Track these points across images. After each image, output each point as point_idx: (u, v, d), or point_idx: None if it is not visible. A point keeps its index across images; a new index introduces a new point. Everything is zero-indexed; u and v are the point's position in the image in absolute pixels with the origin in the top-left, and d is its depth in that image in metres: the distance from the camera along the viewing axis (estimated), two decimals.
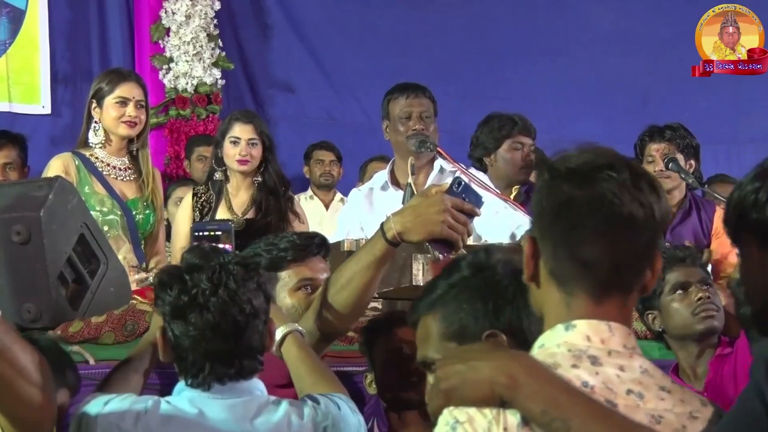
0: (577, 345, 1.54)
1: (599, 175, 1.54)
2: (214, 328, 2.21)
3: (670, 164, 4.34)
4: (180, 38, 6.64)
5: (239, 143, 4.30)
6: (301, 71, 7.21)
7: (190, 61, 6.63)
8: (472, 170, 4.07)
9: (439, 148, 3.93)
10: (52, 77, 6.59)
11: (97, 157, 4.08)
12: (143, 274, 3.50)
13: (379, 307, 3.17)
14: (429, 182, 4.02)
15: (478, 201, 2.41)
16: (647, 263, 1.58)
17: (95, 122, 4.08)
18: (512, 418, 1.48)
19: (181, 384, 2.28)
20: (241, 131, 4.31)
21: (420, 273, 3.16)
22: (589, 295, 1.55)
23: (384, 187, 4.15)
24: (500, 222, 3.77)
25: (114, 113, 4.04)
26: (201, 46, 6.67)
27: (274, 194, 4.32)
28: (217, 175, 4.39)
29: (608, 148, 1.63)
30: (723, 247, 4.45)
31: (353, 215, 4.18)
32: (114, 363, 2.57)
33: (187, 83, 6.63)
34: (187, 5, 6.64)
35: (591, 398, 1.48)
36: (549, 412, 1.44)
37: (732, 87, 7.09)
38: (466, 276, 1.98)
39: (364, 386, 2.82)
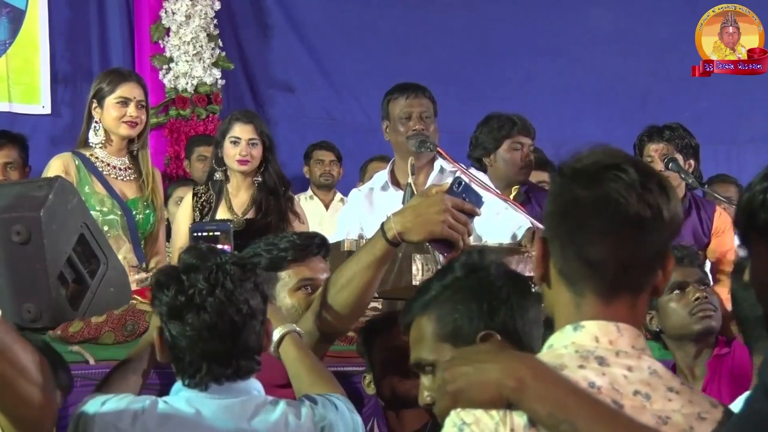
0: (585, 345, 1.54)
1: (606, 175, 1.54)
2: (211, 328, 2.21)
3: (670, 164, 4.34)
4: (180, 38, 6.64)
5: (239, 143, 4.30)
6: (301, 71, 7.21)
7: (190, 61, 6.63)
8: (472, 170, 4.06)
9: (439, 148, 3.92)
10: (52, 77, 6.58)
11: (97, 157, 4.08)
12: (143, 274, 3.50)
13: (379, 307, 3.17)
14: (429, 182, 4.01)
15: (478, 201, 2.41)
16: (657, 264, 1.57)
17: (96, 122, 4.09)
18: (519, 419, 1.48)
19: (178, 384, 2.28)
20: (242, 131, 4.31)
21: (420, 273, 3.16)
22: (598, 296, 1.55)
23: (384, 187, 4.16)
24: (501, 223, 3.77)
25: (115, 113, 4.04)
26: (201, 46, 6.67)
27: (274, 194, 4.32)
28: (218, 175, 4.39)
29: (619, 149, 1.63)
30: (722, 246, 4.46)
31: (353, 215, 4.18)
32: (114, 363, 2.57)
33: (187, 83, 6.63)
34: (187, 5, 6.64)
35: (598, 400, 1.47)
36: (556, 414, 1.44)
37: (732, 87, 7.09)
38: (460, 277, 1.99)
39: (362, 387, 2.82)
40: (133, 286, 3.25)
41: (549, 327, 2.40)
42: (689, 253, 3.15)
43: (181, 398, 2.25)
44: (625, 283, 1.56)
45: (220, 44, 6.79)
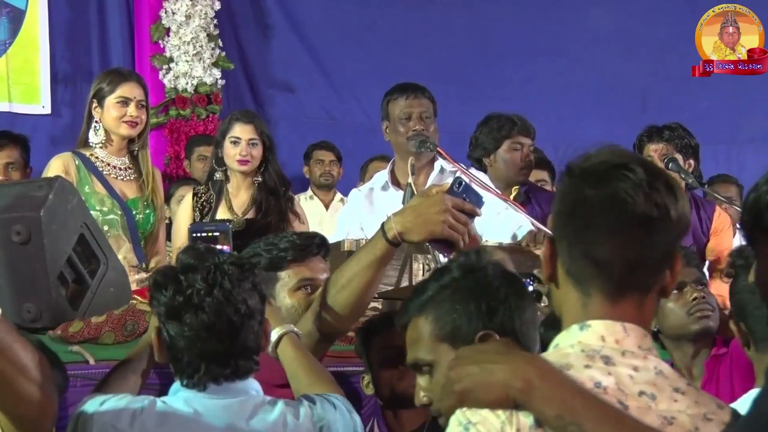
0: (591, 345, 1.54)
1: (614, 174, 1.54)
2: (209, 328, 2.20)
3: (670, 164, 4.34)
4: (180, 38, 6.64)
5: (239, 143, 4.30)
6: (301, 71, 7.21)
7: (190, 61, 6.64)
8: (473, 170, 4.06)
9: (439, 149, 3.92)
10: (52, 77, 6.58)
11: (97, 157, 4.08)
12: (143, 274, 3.50)
13: (379, 307, 3.17)
14: (429, 182, 4.01)
15: (478, 201, 2.41)
16: (665, 264, 1.57)
17: (96, 122, 4.09)
18: (525, 419, 1.48)
19: (176, 384, 2.28)
20: (242, 131, 4.31)
21: (420, 273, 3.17)
22: (605, 295, 1.55)
23: (384, 187, 4.15)
24: (501, 223, 3.77)
25: (115, 113, 4.04)
26: (201, 46, 6.67)
27: (275, 194, 4.32)
28: (218, 175, 4.39)
29: (628, 150, 1.63)
30: (720, 245, 4.46)
31: (353, 215, 4.18)
32: (114, 363, 2.57)
33: (187, 83, 6.63)
34: (187, 5, 6.65)
35: (604, 402, 1.47)
36: (563, 416, 1.44)
37: (732, 87, 7.09)
38: (457, 277, 1.99)
39: (360, 387, 2.82)
40: (133, 286, 3.25)
41: (552, 327, 2.42)
42: (687, 253, 3.14)
43: (180, 398, 2.25)
44: (632, 283, 1.56)
45: (220, 44, 6.79)
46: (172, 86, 6.64)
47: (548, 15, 7.36)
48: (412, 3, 7.34)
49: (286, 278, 2.78)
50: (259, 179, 4.35)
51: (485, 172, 4.42)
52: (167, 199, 5.41)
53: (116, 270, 3.11)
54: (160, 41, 6.69)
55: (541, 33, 7.31)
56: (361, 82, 7.00)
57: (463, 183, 2.39)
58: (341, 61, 7.23)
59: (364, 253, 2.42)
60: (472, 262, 2.01)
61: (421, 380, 2.00)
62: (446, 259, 2.45)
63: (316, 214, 6.21)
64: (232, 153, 4.31)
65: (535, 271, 2.85)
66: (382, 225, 2.38)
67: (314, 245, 2.83)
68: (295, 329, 2.53)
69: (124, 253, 3.81)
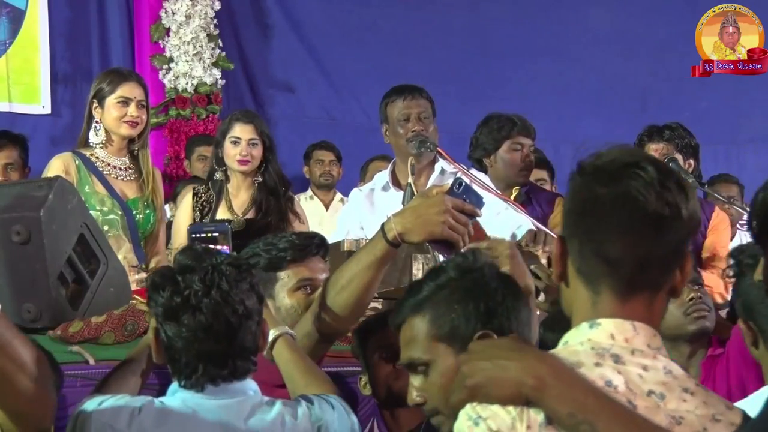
0: (601, 343, 1.54)
1: (626, 173, 1.54)
2: (206, 329, 2.20)
3: (671, 164, 4.34)
4: (180, 38, 6.65)
5: (240, 143, 4.30)
6: (301, 71, 7.21)
7: (190, 61, 6.64)
8: (473, 171, 4.06)
9: (439, 149, 3.92)
10: (52, 77, 6.59)
11: (97, 157, 4.08)
12: (143, 274, 3.49)
13: (379, 307, 3.18)
14: (430, 183, 4.01)
15: (479, 202, 2.41)
16: (675, 263, 1.58)
17: (96, 122, 4.08)
18: (536, 415, 1.48)
19: (174, 385, 2.28)
20: (242, 131, 4.31)
21: (420, 273, 3.17)
22: (615, 294, 1.55)
23: (385, 188, 4.15)
24: (501, 222, 3.77)
25: (116, 113, 4.04)
26: (201, 46, 6.68)
27: (275, 194, 4.32)
28: (218, 175, 4.39)
29: (638, 148, 1.63)
30: (716, 243, 4.46)
31: (353, 215, 4.18)
32: (114, 363, 2.57)
33: (187, 83, 6.63)
34: (187, 5, 6.65)
35: (617, 401, 1.47)
36: (575, 414, 1.44)
37: (732, 87, 7.09)
38: (454, 277, 1.99)
39: (357, 387, 2.82)
40: (133, 286, 3.25)
41: (551, 328, 2.42)
42: None
43: (177, 399, 2.25)
44: (642, 282, 1.56)
45: (220, 44, 6.79)
46: (172, 86, 6.65)
47: (548, 15, 7.36)
48: (412, 3, 7.35)
49: (286, 278, 2.78)
50: (259, 179, 4.35)
51: (485, 172, 4.42)
52: (173, 198, 5.42)
53: (116, 270, 3.11)
54: (160, 41, 6.69)
55: (541, 33, 7.32)
56: (361, 82, 7.01)
57: (464, 184, 2.39)
58: (341, 61, 7.23)
59: (363, 254, 2.43)
60: (468, 263, 2.01)
61: (415, 380, 2.00)
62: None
63: (316, 214, 6.21)
64: (232, 153, 4.31)
65: (533, 267, 2.85)
66: (382, 226, 2.38)
67: (313, 245, 2.83)
68: (290, 331, 2.54)
69: (124, 253, 3.81)
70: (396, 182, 4.12)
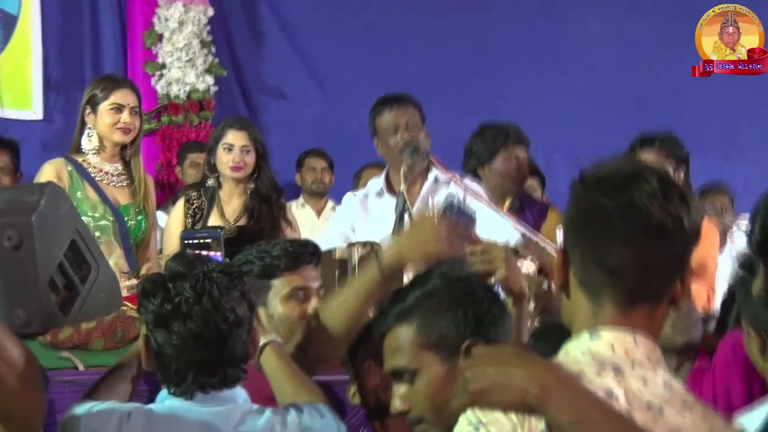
0: (601, 354, 1.54)
1: (629, 183, 1.54)
2: (197, 336, 2.20)
3: None
4: (173, 44, 6.65)
5: (233, 150, 4.30)
6: (293, 78, 7.22)
7: (182, 67, 6.64)
8: (466, 180, 4.06)
9: (431, 158, 3.92)
10: (45, 83, 6.58)
11: (89, 163, 4.08)
12: (134, 281, 3.49)
13: (370, 315, 3.17)
14: (423, 191, 4.02)
15: (471, 222, 2.42)
16: (676, 274, 1.58)
17: (89, 128, 4.08)
18: (537, 423, 1.48)
19: (163, 392, 2.27)
20: (235, 138, 4.31)
21: None
22: (616, 305, 1.55)
23: (379, 194, 4.14)
24: (494, 231, 3.77)
25: (108, 120, 4.04)
26: (194, 53, 6.68)
27: (267, 201, 4.32)
28: (210, 182, 4.38)
29: (640, 160, 1.64)
30: (702, 252, 4.46)
31: (345, 217, 4.16)
32: (103, 369, 2.57)
33: (179, 90, 6.63)
34: (180, 12, 6.65)
35: (620, 413, 1.47)
36: (578, 424, 1.43)
37: (730, 93, 7.12)
38: (441, 286, 2.00)
39: (345, 396, 2.81)
40: (124, 293, 3.25)
41: (541, 339, 2.42)
42: None
43: (167, 406, 2.25)
44: (644, 292, 1.56)
45: (213, 51, 6.79)
46: (165, 92, 6.64)
47: (546, 20, 7.38)
48: (406, 10, 7.36)
49: (279, 286, 2.77)
50: (252, 186, 4.34)
51: (480, 180, 4.42)
52: (173, 203, 5.42)
53: (107, 276, 3.10)
54: (153, 47, 6.69)
55: (538, 37, 7.33)
56: (354, 89, 7.01)
57: (456, 206, 2.40)
58: (334, 68, 7.23)
59: (357, 281, 2.44)
60: (455, 271, 2.03)
61: (400, 388, 2.00)
62: None
63: (308, 222, 6.20)
64: (225, 160, 4.31)
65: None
66: (377, 252, 2.40)
67: (307, 253, 2.83)
68: (278, 339, 2.54)
69: (115, 259, 3.81)
70: (391, 188, 4.11)
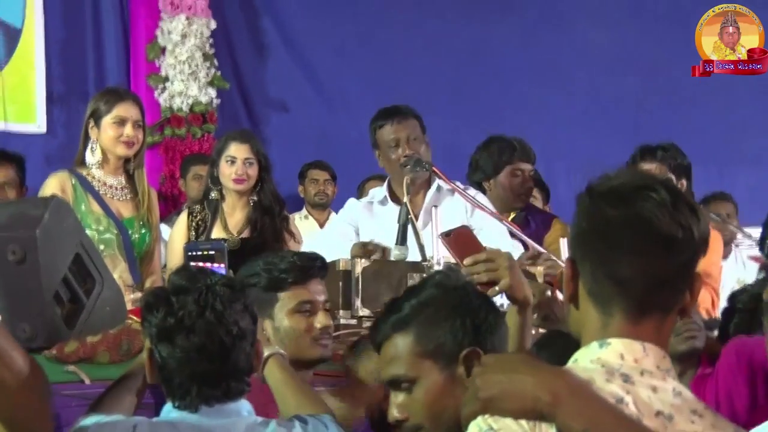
0: (610, 362, 1.54)
1: (638, 195, 1.55)
2: (200, 350, 2.21)
3: None
4: (176, 57, 6.67)
5: (235, 162, 4.31)
6: (295, 90, 7.23)
7: (185, 80, 6.65)
8: (470, 190, 4.05)
9: (435, 169, 3.92)
10: (48, 96, 6.59)
11: (93, 176, 4.09)
12: (139, 294, 3.50)
13: None
14: (427, 201, 4.01)
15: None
16: (686, 284, 1.58)
17: (92, 142, 4.09)
18: (548, 430, 1.48)
19: (168, 405, 2.28)
20: (238, 150, 4.32)
21: None
22: (626, 315, 1.56)
23: (383, 202, 4.14)
24: (496, 239, 3.77)
25: (112, 133, 4.05)
26: (196, 66, 6.70)
27: (270, 214, 4.32)
28: (213, 194, 4.39)
29: (648, 172, 1.65)
30: (707, 261, 4.47)
31: (349, 219, 4.12)
32: (109, 382, 2.57)
33: (182, 102, 6.65)
34: (183, 24, 6.67)
35: (632, 420, 1.47)
36: (590, 431, 1.44)
37: (731, 103, 7.13)
38: (438, 295, 2.01)
39: None
40: (129, 306, 3.25)
41: (544, 348, 2.42)
42: None
43: (171, 419, 2.25)
44: (654, 303, 1.56)
45: (216, 63, 6.81)
46: (168, 105, 6.66)
47: (547, 24, 7.39)
48: (408, 23, 7.37)
49: (286, 299, 2.78)
50: (255, 198, 4.35)
51: (484, 193, 4.41)
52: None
53: (112, 289, 3.10)
54: (156, 60, 6.71)
55: (539, 41, 7.35)
56: (357, 101, 7.02)
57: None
58: (336, 81, 7.25)
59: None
60: (451, 281, 2.04)
61: (397, 397, 2.01)
62: None
63: (311, 234, 6.20)
64: (227, 172, 4.32)
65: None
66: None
67: (315, 267, 2.84)
68: (281, 351, 2.54)
69: (119, 272, 3.82)
70: (394, 197, 4.10)
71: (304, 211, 6.61)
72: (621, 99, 7.39)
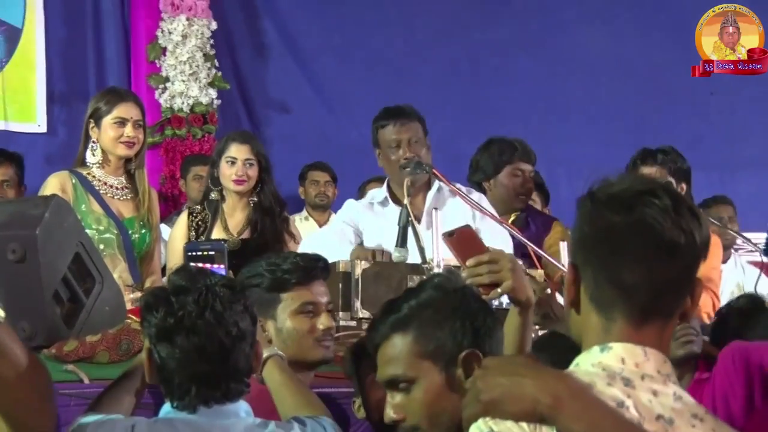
0: (611, 366, 1.55)
1: (640, 200, 1.56)
2: (200, 350, 2.21)
3: None
4: (176, 58, 6.66)
5: (236, 163, 4.31)
6: (296, 91, 7.23)
7: (186, 80, 6.65)
8: (474, 194, 4.05)
9: (435, 171, 3.92)
10: (48, 96, 6.59)
11: (94, 176, 4.09)
12: (138, 294, 3.50)
13: None
14: (428, 202, 4.01)
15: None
16: (687, 289, 1.59)
17: (93, 142, 4.09)
18: None
19: (167, 406, 2.28)
20: (238, 151, 4.32)
21: None
22: (628, 321, 1.56)
23: (383, 203, 4.14)
24: (497, 241, 3.77)
25: (112, 133, 4.05)
26: (197, 66, 6.70)
27: (270, 215, 4.33)
28: (213, 195, 4.39)
29: (648, 175, 1.65)
30: (707, 265, 4.47)
31: (349, 220, 4.11)
32: (108, 382, 2.57)
33: (182, 103, 6.64)
34: (183, 25, 6.67)
35: (633, 424, 1.48)
36: None
37: (731, 107, 7.13)
38: (437, 297, 2.01)
39: (349, 410, 2.81)
40: (129, 306, 3.25)
41: (542, 350, 2.42)
42: None
43: (170, 419, 2.25)
44: (656, 308, 1.57)
45: (216, 64, 6.81)
46: (168, 106, 6.66)
47: (547, 28, 7.39)
48: (408, 24, 7.38)
49: (289, 300, 2.78)
50: (255, 199, 4.35)
51: (485, 194, 4.41)
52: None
53: (111, 289, 3.11)
54: (156, 61, 6.71)
55: (540, 45, 7.34)
56: (357, 102, 7.01)
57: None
58: (337, 81, 7.25)
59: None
60: (450, 283, 2.04)
61: (395, 397, 2.01)
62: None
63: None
64: (228, 173, 4.32)
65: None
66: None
67: (318, 268, 2.84)
68: (280, 352, 2.54)
69: (119, 272, 3.82)
70: (394, 198, 4.10)
71: (304, 213, 6.61)
72: (621, 102, 7.39)
